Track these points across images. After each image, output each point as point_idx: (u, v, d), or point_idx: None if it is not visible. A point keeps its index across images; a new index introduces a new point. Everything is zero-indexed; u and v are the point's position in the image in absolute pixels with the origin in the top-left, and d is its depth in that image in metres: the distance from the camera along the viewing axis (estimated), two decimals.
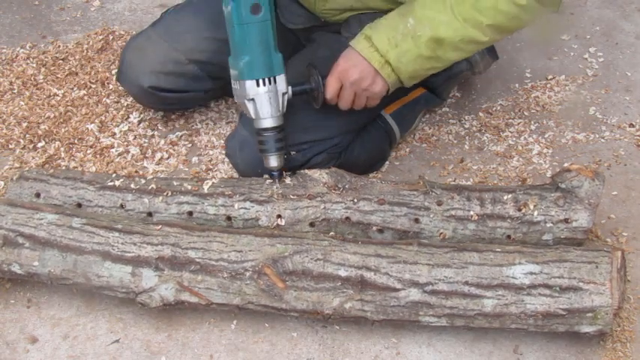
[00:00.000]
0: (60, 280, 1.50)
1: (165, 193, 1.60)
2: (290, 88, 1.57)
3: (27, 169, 1.66)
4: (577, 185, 1.52)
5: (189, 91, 1.87)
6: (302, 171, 1.61)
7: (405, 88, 1.88)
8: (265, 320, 1.56)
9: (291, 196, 1.57)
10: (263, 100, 1.53)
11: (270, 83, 1.53)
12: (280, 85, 1.54)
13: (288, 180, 1.59)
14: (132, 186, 1.62)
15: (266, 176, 1.63)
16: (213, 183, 1.62)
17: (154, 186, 1.62)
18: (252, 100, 1.54)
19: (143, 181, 1.64)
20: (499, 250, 1.45)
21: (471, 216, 1.55)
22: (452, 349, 1.51)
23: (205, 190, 1.60)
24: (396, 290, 1.42)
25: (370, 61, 1.56)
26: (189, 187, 1.61)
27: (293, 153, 1.67)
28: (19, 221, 1.51)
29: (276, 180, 1.60)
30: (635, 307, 1.56)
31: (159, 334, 1.55)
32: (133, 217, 1.60)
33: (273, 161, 1.58)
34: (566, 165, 1.58)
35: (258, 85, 1.53)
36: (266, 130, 1.56)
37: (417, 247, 1.45)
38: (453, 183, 1.60)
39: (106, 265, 1.48)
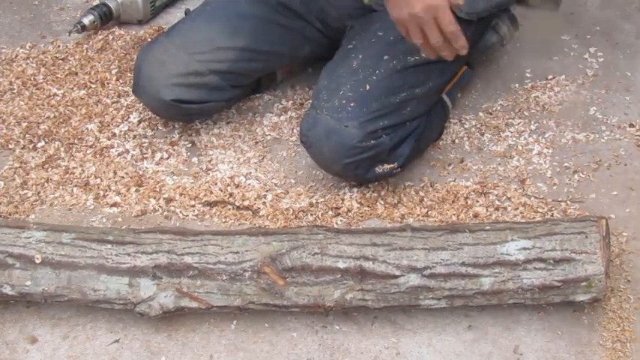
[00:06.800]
0: (55, 298, 1.49)
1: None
2: None
3: None
4: None
5: (211, 101, 1.86)
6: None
7: (459, 64, 1.87)
8: (265, 320, 1.56)
9: None
10: None
11: None
12: None
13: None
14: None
15: None
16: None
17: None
18: None
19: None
20: (489, 228, 1.48)
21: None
22: (452, 349, 1.51)
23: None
24: (396, 277, 1.44)
25: None
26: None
27: (383, 137, 1.67)
28: (6, 241, 1.48)
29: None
30: (636, 307, 1.56)
31: (159, 334, 1.54)
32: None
33: None
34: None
35: None
36: None
37: (410, 233, 1.48)
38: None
39: (102, 279, 1.46)
